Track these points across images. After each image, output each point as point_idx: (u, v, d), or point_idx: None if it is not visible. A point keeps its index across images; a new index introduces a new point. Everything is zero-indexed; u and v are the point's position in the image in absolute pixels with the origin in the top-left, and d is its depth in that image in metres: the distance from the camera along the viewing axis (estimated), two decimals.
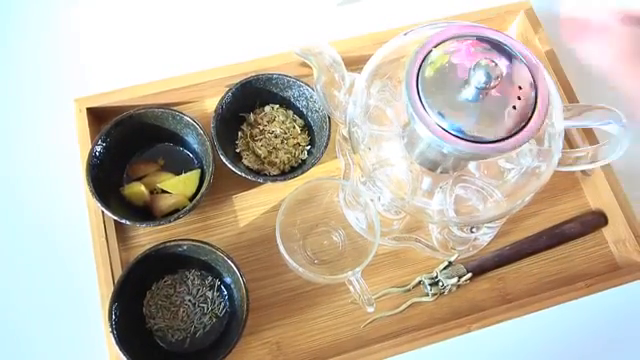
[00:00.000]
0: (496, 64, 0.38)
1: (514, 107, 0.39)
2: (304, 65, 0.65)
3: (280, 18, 0.72)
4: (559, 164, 0.49)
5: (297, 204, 0.58)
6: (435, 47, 0.41)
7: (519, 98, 0.39)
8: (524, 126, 0.39)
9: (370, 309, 0.55)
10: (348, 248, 0.61)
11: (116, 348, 0.51)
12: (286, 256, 0.54)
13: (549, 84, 0.42)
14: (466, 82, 0.39)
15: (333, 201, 0.60)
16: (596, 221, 0.63)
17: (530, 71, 0.40)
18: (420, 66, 0.40)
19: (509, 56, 0.40)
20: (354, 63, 0.68)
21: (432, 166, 0.48)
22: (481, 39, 0.41)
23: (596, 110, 0.48)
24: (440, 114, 0.39)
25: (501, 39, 0.41)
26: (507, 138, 0.39)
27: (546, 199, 0.64)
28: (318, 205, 0.61)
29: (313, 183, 0.57)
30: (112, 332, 0.52)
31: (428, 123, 0.39)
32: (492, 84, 0.38)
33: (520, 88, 0.40)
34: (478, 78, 0.38)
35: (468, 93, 0.39)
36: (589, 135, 0.64)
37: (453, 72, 0.40)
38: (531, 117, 0.39)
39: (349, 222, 0.60)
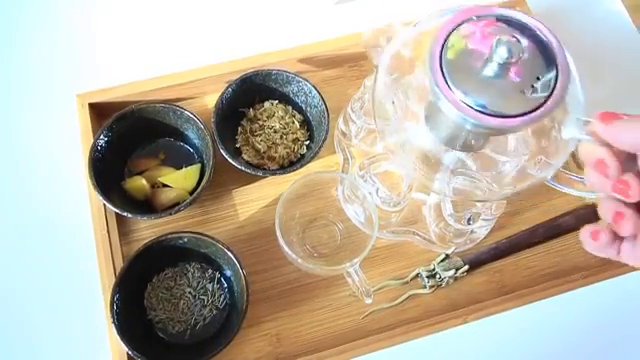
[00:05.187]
0: (518, 40, 0.38)
1: (536, 80, 0.39)
2: (303, 61, 0.66)
3: (279, 16, 0.73)
4: (555, 179, 0.48)
5: (296, 198, 0.59)
6: (456, 28, 0.41)
7: (538, 78, 0.39)
8: (543, 103, 0.39)
9: (368, 300, 0.55)
10: (346, 241, 0.61)
11: (117, 339, 0.52)
12: (286, 248, 0.54)
13: (570, 64, 0.41)
14: (488, 59, 0.39)
15: (332, 195, 0.61)
16: (589, 215, 0.64)
17: (550, 48, 0.40)
18: (442, 47, 0.40)
19: (530, 34, 0.40)
20: (351, 60, 0.69)
21: (454, 144, 0.48)
22: (500, 18, 0.41)
23: None
24: (464, 92, 0.39)
25: (521, 18, 0.41)
26: (528, 113, 0.39)
27: (542, 192, 0.65)
28: (317, 199, 0.61)
29: (312, 177, 0.58)
30: (113, 323, 0.52)
31: (454, 100, 0.39)
32: (514, 59, 0.38)
33: (541, 65, 0.39)
34: (500, 54, 0.38)
35: (490, 70, 0.39)
36: None
37: (475, 51, 0.40)
38: (550, 96, 0.39)
39: (347, 215, 0.61)
